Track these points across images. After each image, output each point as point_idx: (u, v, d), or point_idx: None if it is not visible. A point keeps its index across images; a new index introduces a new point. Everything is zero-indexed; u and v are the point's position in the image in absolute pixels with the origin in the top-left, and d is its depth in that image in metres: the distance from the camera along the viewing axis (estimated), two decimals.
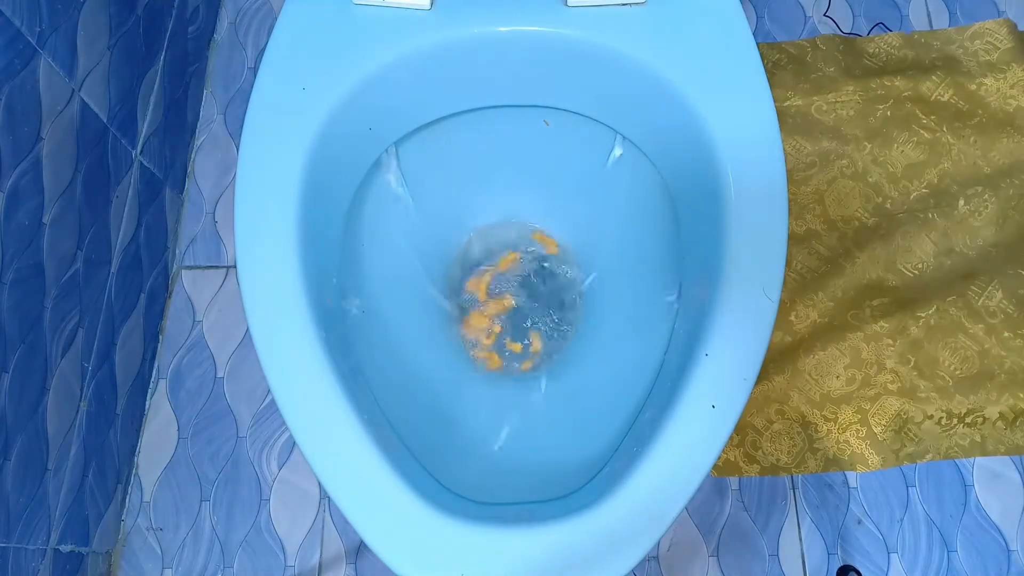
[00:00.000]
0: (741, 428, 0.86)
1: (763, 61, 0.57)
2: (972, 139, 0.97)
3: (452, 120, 0.67)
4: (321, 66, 0.57)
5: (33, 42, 0.66)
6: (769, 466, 0.85)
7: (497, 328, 0.78)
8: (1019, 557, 0.83)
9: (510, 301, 0.79)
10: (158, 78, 0.91)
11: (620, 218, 0.75)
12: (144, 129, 0.88)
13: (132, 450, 0.87)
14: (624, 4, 0.58)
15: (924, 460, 0.85)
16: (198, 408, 0.89)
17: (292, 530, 0.84)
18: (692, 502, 0.84)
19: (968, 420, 0.85)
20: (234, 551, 0.84)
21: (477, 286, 0.79)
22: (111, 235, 0.82)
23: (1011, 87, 0.99)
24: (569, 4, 0.58)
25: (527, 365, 0.75)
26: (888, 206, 0.95)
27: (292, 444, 0.87)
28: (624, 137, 0.66)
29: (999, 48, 1.02)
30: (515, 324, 0.78)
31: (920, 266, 0.92)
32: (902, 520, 0.85)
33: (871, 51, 1.06)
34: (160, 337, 0.93)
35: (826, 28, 1.09)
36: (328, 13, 0.59)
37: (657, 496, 0.47)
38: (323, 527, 0.84)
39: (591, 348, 0.73)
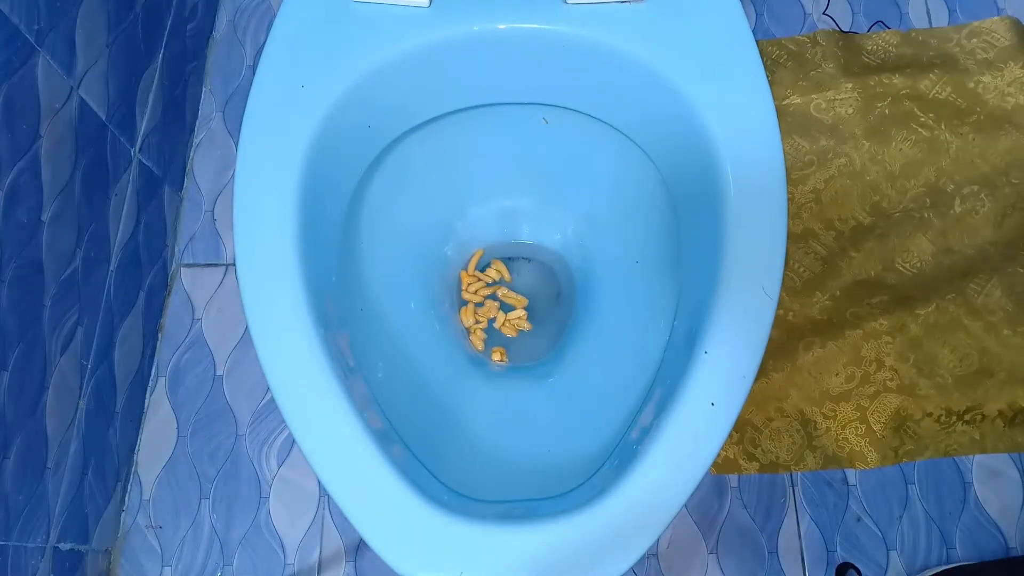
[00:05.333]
0: (740, 425, 0.86)
1: (762, 58, 0.57)
2: (970, 137, 0.97)
3: (451, 118, 0.67)
4: (320, 64, 0.57)
5: (31, 40, 0.66)
6: (768, 463, 0.85)
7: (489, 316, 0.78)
8: (1018, 554, 0.83)
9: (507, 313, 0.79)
10: (157, 76, 0.91)
11: (619, 215, 0.75)
12: (143, 127, 0.88)
13: (131, 448, 0.87)
14: (624, 1, 0.58)
15: (923, 458, 0.85)
16: (197, 406, 0.89)
17: (291, 528, 0.84)
18: (691, 499, 0.85)
19: (967, 418, 0.85)
20: (233, 549, 0.84)
21: (475, 290, 0.79)
22: (110, 233, 0.82)
23: (1008, 85, 0.99)
24: (568, 2, 0.58)
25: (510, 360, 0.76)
26: (885, 205, 0.95)
27: (291, 442, 0.88)
28: (624, 135, 0.66)
29: (996, 46, 1.02)
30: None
31: (919, 264, 0.92)
32: (901, 517, 0.85)
33: (869, 48, 1.06)
34: (159, 335, 0.93)
35: (825, 26, 1.09)
36: (327, 11, 0.58)
37: (656, 494, 0.47)
38: (322, 525, 0.84)
39: (590, 345, 0.73)
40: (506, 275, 0.80)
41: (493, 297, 0.79)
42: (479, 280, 0.79)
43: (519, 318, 0.78)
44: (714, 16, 0.58)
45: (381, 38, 0.58)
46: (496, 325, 0.78)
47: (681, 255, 0.60)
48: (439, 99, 0.65)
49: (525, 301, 0.79)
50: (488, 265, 0.81)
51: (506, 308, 0.79)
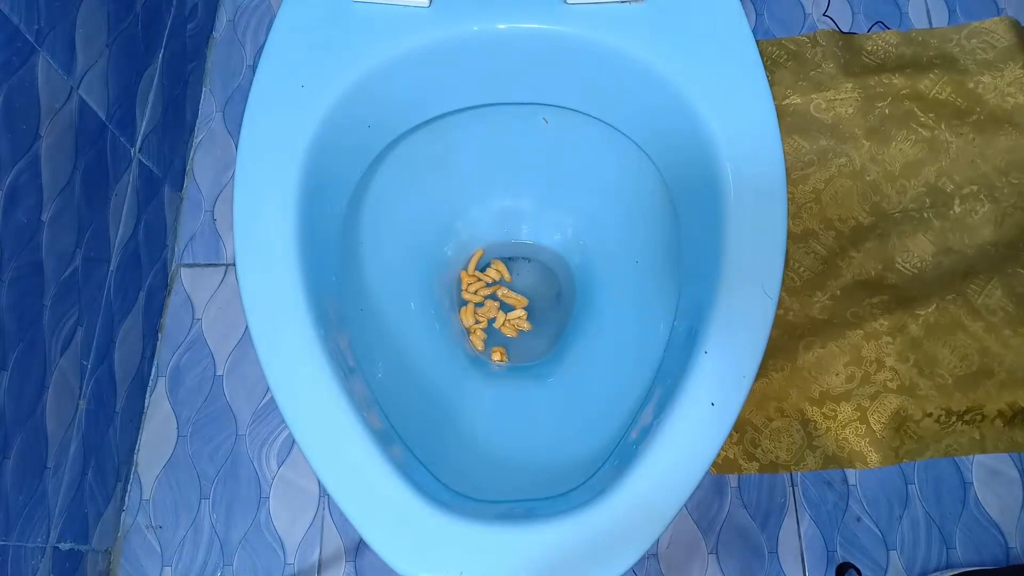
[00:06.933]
0: (740, 425, 0.86)
1: (762, 58, 0.57)
2: (970, 137, 0.97)
3: (451, 118, 0.67)
4: (320, 64, 0.57)
5: (31, 40, 0.66)
6: (768, 463, 0.85)
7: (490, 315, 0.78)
8: (1018, 554, 0.83)
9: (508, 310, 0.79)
10: (157, 76, 0.91)
11: (619, 215, 0.75)
12: (143, 127, 0.88)
13: (131, 448, 0.87)
14: (624, 1, 0.58)
15: (923, 458, 0.85)
16: (197, 406, 0.89)
17: (291, 528, 0.84)
18: (691, 499, 0.85)
19: (967, 418, 0.85)
20: (233, 549, 0.84)
21: (475, 290, 0.79)
22: (110, 233, 0.82)
23: (1008, 84, 0.99)
24: (568, 2, 0.58)
25: (503, 358, 0.75)
26: (885, 205, 0.95)
27: (291, 442, 0.88)
28: (624, 135, 0.66)
29: (996, 46, 1.02)
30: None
31: (919, 264, 0.92)
32: (901, 517, 0.85)
33: (869, 48, 1.06)
34: (159, 335, 0.93)
35: (825, 27, 1.09)
36: (327, 11, 0.58)
37: (656, 494, 0.47)
38: (322, 525, 0.84)
39: (590, 345, 0.73)
40: (506, 275, 0.80)
41: (493, 297, 0.79)
42: (479, 280, 0.79)
43: (519, 318, 0.78)
44: (714, 16, 0.58)
45: (381, 38, 0.58)
46: (496, 325, 0.78)
47: (681, 255, 0.60)
48: (439, 99, 0.65)
49: (525, 301, 0.79)
50: (488, 265, 0.81)
51: (506, 308, 0.79)
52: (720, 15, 0.58)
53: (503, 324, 0.78)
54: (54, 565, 0.73)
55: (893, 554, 0.84)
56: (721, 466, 0.85)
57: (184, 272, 0.96)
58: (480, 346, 0.76)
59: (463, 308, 0.78)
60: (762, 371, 0.87)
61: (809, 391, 0.86)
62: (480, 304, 0.79)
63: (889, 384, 0.86)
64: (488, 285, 0.79)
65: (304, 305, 0.51)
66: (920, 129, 0.98)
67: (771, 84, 0.80)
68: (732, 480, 0.86)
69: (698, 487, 0.53)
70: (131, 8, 0.84)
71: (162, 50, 0.92)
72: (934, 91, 1.00)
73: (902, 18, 1.10)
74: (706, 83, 0.56)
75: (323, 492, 0.86)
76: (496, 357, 0.75)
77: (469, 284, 0.79)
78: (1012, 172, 0.96)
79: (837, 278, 0.91)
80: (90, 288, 0.78)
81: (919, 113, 0.99)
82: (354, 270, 0.66)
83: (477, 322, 0.77)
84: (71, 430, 0.75)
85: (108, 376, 0.82)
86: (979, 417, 0.85)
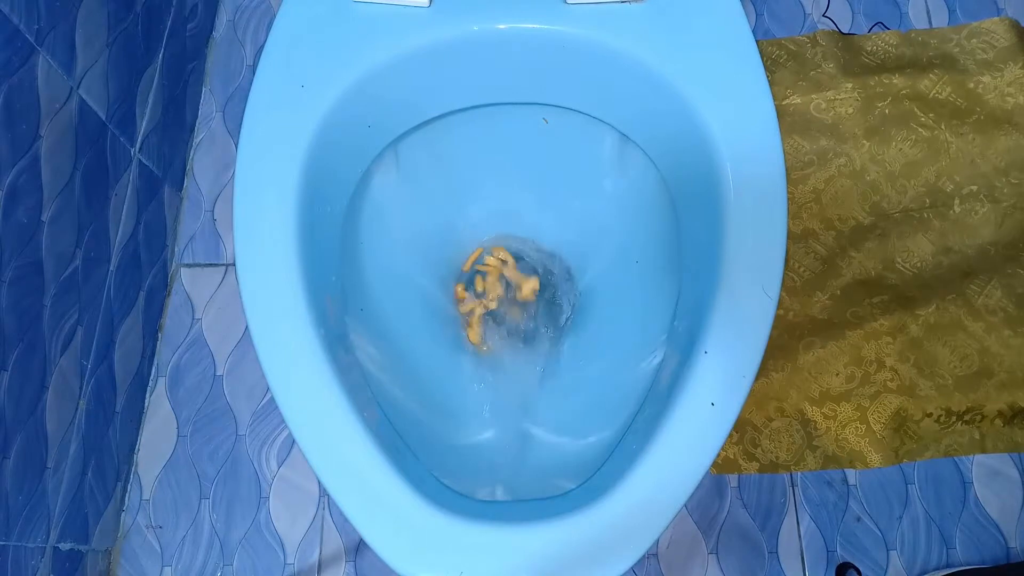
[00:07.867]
0: (740, 425, 0.86)
1: (762, 58, 0.57)
2: (970, 137, 0.97)
3: (451, 117, 0.67)
4: (320, 64, 0.57)
5: (31, 40, 0.66)
6: (768, 463, 0.85)
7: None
8: (1018, 554, 0.83)
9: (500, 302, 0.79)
10: (157, 76, 0.91)
11: (619, 216, 0.75)
12: (143, 127, 0.88)
13: (131, 448, 0.87)
14: (624, 1, 0.58)
15: (923, 458, 0.85)
16: (197, 406, 0.89)
17: (291, 528, 0.84)
18: (691, 499, 0.85)
19: (967, 418, 0.85)
20: (233, 549, 0.84)
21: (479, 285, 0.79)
22: (110, 233, 0.82)
23: (1008, 84, 0.99)
24: (568, 2, 0.58)
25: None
26: (885, 205, 0.95)
27: (291, 442, 0.88)
28: (624, 135, 0.66)
29: (996, 47, 1.02)
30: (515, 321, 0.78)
31: (919, 264, 0.92)
32: (901, 517, 0.85)
33: (869, 48, 1.06)
34: (159, 335, 0.93)
35: (825, 28, 1.09)
36: (327, 10, 0.59)
37: (656, 493, 0.47)
38: (322, 525, 0.84)
39: (590, 346, 0.73)
40: (510, 259, 0.79)
41: (501, 278, 0.79)
42: (486, 267, 0.78)
43: (532, 290, 0.76)
44: (714, 16, 0.58)
45: (381, 38, 0.58)
46: (502, 309, 0.77)
47: (681, 255, 0.60)
48: (439, 99, 0.65)
49: (534, 282, 0.78)
50: (488, 254, 0.80)
51: (507, 306, 0.79)
52: (720, 15, 0.58)
53: (510, 309, 0.77)
54: (54, 565, 0.73)
55: (893, 554, 0.84)
56: (721, 466, 0.85)
57: (184, 272, 0.96)
58: (481, 347, 0.76)
59: (461, 302, 0.78)
60: (762, 371, 0.87)
61: (809, 391, 0.86)
62: (482, 294, 0.79)
63: (889, 384, 0.86)
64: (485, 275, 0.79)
65: (304, 304, 0.51)
66: (920, 129, 0.98)
67: (771, 84, 0.80)
68: (732, 480, 0.86)
69: (698, 487, 0.53)
70: (131, 8, 0.84)
71: (162, 50, 0.92)
72: (934, 91, 1.00)
73: (902, 18, 1.10)
74: (706, 83, 0.56)
75: (323, 492, 0.86)
76: (490, 351, 0.75)
77: (473, 263, 0.78)
78: (1012, 172, 0.96)
79: (837, 278, 0.91)
80: (90, 288, 0.78)
81: (919, 113, 0.99)
82: (354, 269, 0.66)
83: (485, 305, 0.77)
84: (71, 430, 0.75)
85: (108, 376, 0.82)
86: (979, 417, 0.85)
